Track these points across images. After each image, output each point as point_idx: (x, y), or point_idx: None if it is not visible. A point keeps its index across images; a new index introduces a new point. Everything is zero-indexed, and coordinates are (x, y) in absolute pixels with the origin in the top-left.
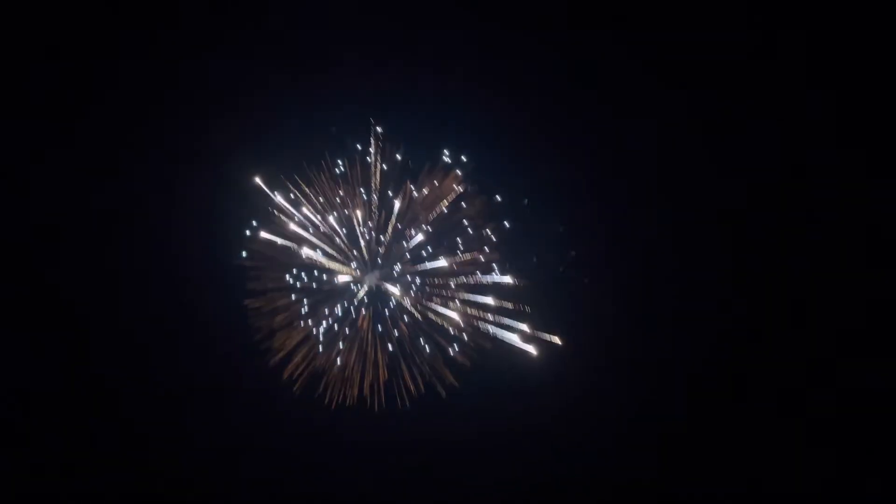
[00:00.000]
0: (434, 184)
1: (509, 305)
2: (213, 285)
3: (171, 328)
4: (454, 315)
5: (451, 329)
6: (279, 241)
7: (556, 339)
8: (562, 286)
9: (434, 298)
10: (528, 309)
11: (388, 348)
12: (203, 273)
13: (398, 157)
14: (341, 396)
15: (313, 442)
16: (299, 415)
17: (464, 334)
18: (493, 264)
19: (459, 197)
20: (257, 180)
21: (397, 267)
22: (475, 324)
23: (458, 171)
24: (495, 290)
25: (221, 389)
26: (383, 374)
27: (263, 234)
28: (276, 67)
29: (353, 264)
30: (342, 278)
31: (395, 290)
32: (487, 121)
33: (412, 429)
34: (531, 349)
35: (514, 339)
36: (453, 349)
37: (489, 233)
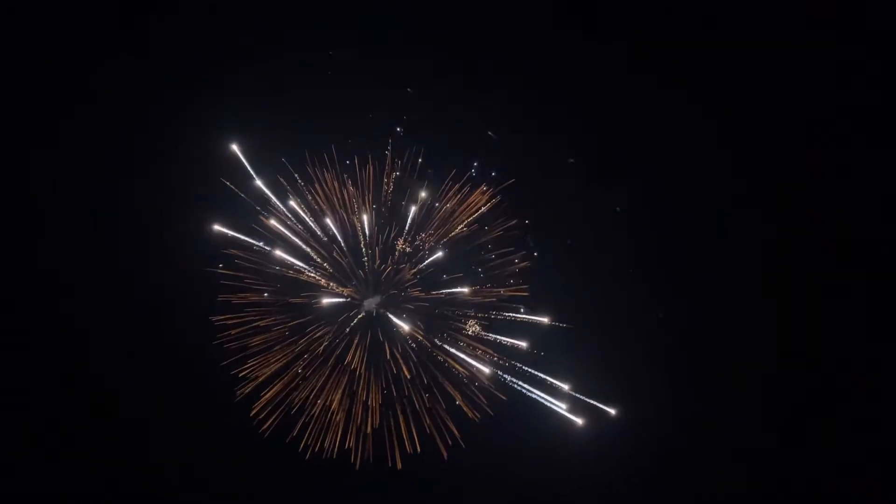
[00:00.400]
0: (457, 197)
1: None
2: (176, 294)
3: (118, 345)
4: (468, 358)
5: (461, 374)
6: (263, 246)
7: (609, 410)
8: (616, 331)
9: (445, 334)
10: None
11: (382, 389)
12: (166, 279)
13: (419, 160)
14: (318, 445)
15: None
16: (264, 464)
17: (476, 382)
18: (524, 298)
19: (486, 216)
20: (234, 148)
21: (404, 291)
22: (494, 371)
23: (485, 186)
24: (524, 331)
25: (170, 423)
26: (374, 420)
27: (244, 237)
28: (280, 55)
29: (353, 283)
30: (335, 299)
31: (398, 320)
32: (527, 131)
33: (400, 496)
34: (574, 418)
35: (544, 398)
36: (462, 398)
37: (518, 261)
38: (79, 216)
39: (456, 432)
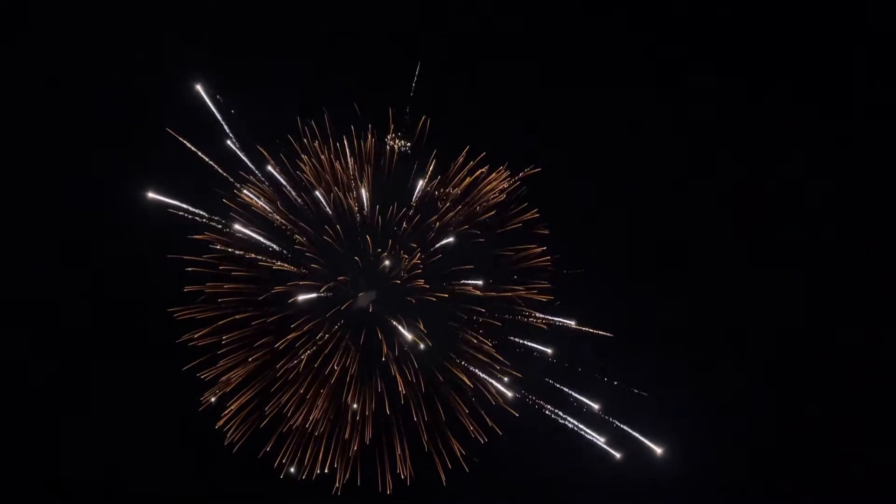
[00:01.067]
0: (469, 177)
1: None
2: (134, 285)
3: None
4: (477, 370)
5: (467, 387)
6: (241, 229)
7: (656, 448)
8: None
9: (452, 338)
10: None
11: (374, 400)
12: (124, 263)
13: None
14: (295, 463)
15: None
16: (230, 483)
17: (486, 395)
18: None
19: (506, 202)
20: (199, 89)
21: (406, 283)
22: (509, 383)
23: (502, 169)
24: (547, 338)
25: (121, 431)
26: (364, 436)
27: (188, 208)
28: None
29: (346, 271)
30: (322, 292)
31: (397, 324)
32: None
33: None
34: (611, 450)
35: (570, 421)
36: (468, 414)
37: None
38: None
39: (460, 453)
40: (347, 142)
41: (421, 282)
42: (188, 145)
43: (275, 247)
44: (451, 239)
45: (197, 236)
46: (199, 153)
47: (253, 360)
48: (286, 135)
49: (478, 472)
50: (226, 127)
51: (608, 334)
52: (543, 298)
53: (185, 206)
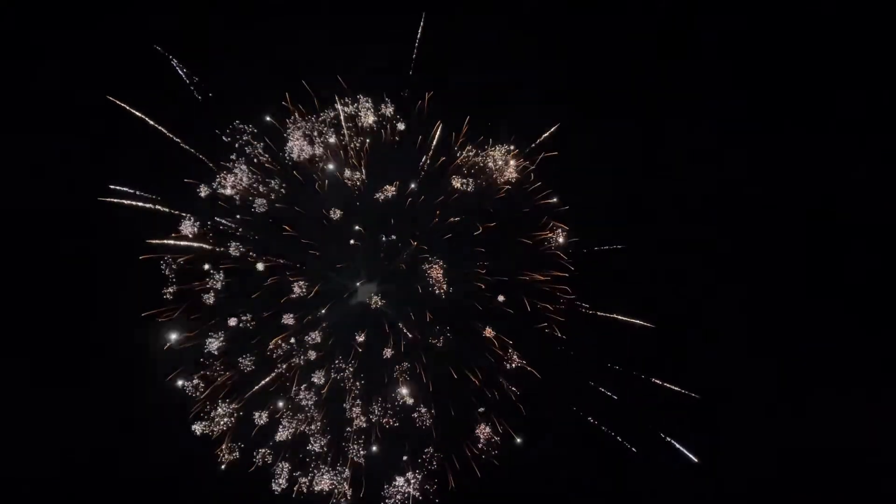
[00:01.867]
0: (480, 156)
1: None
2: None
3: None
4: (489, 368)
5: (479, 386)
6: (225, 221)
7: (692, 457)
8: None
9: (464, 332)
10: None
11: (377, 403)
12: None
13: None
14: (290, 477)
15: None
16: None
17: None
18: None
19: (519, 187)
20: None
21: (410, 272)
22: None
23: (511, 146)
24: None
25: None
26: (368, 443)
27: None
28: None
29: (345, 259)
30: (314, 283)
31: (402, 318)
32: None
33: None
34: (628, 445)
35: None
36: (478, 416)
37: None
38: None
39: (470, 456)
40: (343, 119)
41: (427, 269)
42: (136, 113)
43: (263, 238)
44: (457, 218)
45: (176, 234)
46: (167, 131)
47: (242, 366)
48: (271, 116)
49: (488, 476)
50: (192, 89)
51: (650, 325)
52: (565, 294)
53: (157, 197)
